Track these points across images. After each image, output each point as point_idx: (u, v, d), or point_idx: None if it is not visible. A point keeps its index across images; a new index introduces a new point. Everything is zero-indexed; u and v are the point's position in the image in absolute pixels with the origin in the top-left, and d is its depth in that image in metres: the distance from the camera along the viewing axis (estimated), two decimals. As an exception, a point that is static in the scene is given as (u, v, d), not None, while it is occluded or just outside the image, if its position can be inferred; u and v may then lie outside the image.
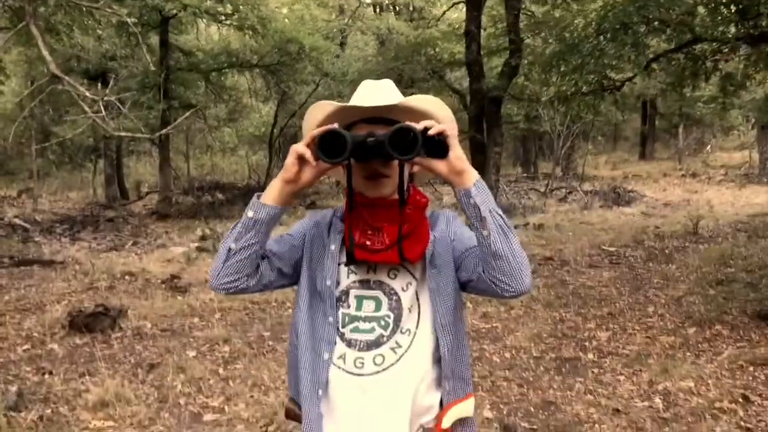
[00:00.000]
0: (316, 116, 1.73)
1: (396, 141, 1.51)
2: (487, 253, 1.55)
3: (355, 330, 1.71)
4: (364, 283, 1.73)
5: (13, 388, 4.44)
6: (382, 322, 1.70)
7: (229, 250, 1.64)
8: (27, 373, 5.00)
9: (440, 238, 1.73)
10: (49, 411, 4.27)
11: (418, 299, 1.72)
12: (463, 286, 1.72)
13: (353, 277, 1.74)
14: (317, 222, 1.82)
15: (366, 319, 1.71)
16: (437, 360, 1.72)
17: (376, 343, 1.69)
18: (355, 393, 1.68)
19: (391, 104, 1.65)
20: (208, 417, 4.25)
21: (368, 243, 1.68)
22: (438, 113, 1.70)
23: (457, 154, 1.53)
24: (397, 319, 1.70)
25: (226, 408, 4.37)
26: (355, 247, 1.69)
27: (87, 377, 4.85)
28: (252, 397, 4.53)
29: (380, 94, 1.72)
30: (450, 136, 1.52)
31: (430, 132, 1.51)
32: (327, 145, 1.54)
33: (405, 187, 1.69)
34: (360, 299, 1.72)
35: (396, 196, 1.69)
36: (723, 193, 17.00)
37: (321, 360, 1.71)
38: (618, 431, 3.99)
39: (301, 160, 1.58)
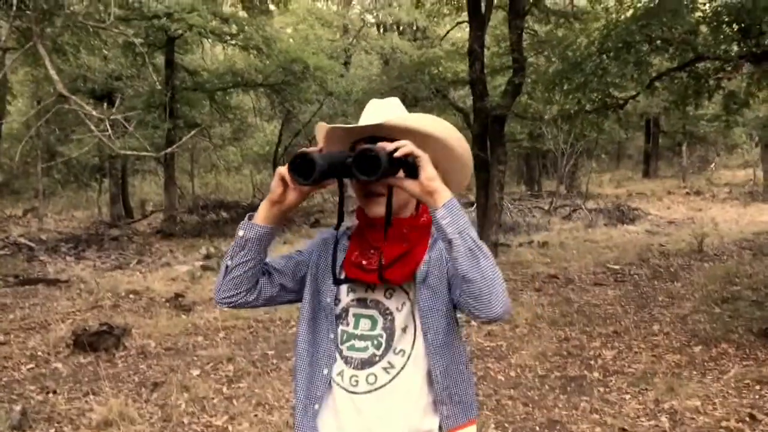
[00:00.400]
0: (320, 137, 1.76)
1: (360, 162, 1.53)
2: (458, 275, 1.54)
3: (351, 348, 1.73)
4: (362, 302, 1.75)
5: (17, 407, 4.43)
6: (375, 342, 1.72)
7: (227, 267, 1.70)
8: (31, 392, 4.99)
9: (437, 257, 1.73)
10: (53, 430, 4.27)
11: (414, 320, 1.72)
12: (455, 306, 1.72)
13: (352, 296, 1.76)
14: (325, 239, 1.85)
15: (361, 338, 1.73)
16: (432, 382, 1.71)
17: (369, 362, 1.71)
18: (350, 410, 1.70)
19: (373, 124, 1.66)
20: (212, 436, 4.24)
21: (364, 263, 1.70)
22: (432, 131, 1.69)
23: (428, 174, 1.52)
24: (390, 339, 1.71)
25: (230, 427, 4.35)
26: (352, 265, 1.71)
27: (91, 396, 4.85)
28: (256, 416, 4.51)
29: (379, 113, 1.73)
30: (419, 158, 1.52)
31: (398, 153, 1.51)
32: (298, 168, 1.57)
33: (392, 207, 1.67)
34: (358, 317, 1.75)
35: (398, 215, 1.70)
36: (727, 210, 16.98)
37: (320, 374, 1.73)
38: (624, 451, 3.97)
39: (284, 181, 1.61)
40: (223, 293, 1.72)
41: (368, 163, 1.52)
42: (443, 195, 1.53)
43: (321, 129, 1.75)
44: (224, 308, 1.78)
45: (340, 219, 1.75)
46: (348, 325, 1.74)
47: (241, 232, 1.68)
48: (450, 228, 1.51)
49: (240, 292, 1.71)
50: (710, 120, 18.06)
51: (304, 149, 1.59)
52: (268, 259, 1.76)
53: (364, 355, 1.71)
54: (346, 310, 1.75)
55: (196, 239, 13.92)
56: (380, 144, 1.54)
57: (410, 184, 1.54)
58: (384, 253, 1.68)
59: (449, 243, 1.51)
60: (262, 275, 1.74)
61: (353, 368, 1.71)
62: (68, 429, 4.29)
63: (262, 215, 1.68)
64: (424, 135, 1.65)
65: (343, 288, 1.77)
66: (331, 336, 1.74)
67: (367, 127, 1.67)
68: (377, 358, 1.70)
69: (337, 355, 1.73)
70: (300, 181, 1.57)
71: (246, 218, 1.70)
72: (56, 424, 4.36)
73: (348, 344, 1.73)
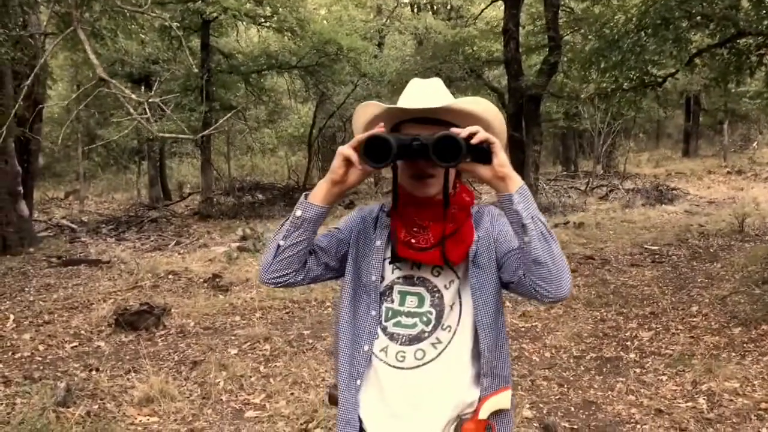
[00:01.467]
0: (365, 116, 1.76)
1: (440, 148, 1.54)
2: (527, 258, 1.58)
3: (398, 324, 1.75)
4: (408, 279, 1.77)
5: (62, 384, 4.56)
6: (425, 318, 1.73)
7: (278, 246, 1.71)
8: (75, 370, 5.14)
9: (484, 236, 1.75)
10: (96, 407, 4.39)
11: (460, 297, 1.74)
12: (505, 286, 1.74)
13: (398, 273, 1.78)
14: (364, 217, 1.87)
15: (408, 314, 1.74)
16: (477, 357, 1.74)
17: (418, 338, 1.72)
18: (396, 385, 1.72)
19: (437, 107, 1.67)
20: (249, 414, 4.32)
21: (413, 241, 1.71)
22: (485, 116, 1.71)
23: (501, 161, 1.56)
24: (439, 316, 1.73)
25: (267, 405, 4.43)
26: (400, 243, 1.72)
27: (132, 374, 4.97)
28: (292, 394, 4.59)
29: (428, 94, 1.73)
30: (494, 144, 1.55)
31: (474, 140, 1.53)
32: (372, 150, 1.57)
33: (449, 189, 1.71)
34: (403, 295, 1.76)
35: (441, 196, 1.72)
36: (770, 190, 16.58)
37: (361, 351, 1.75)
38: (660, 432, 3.94)
39: (348, 162, 1.62)
40: (272, 273, 1.73)
41: (448, 147, 1.53)
42: (516, 180, 1.57)
43: (369, 108, 1.75)
44: (271, 287, 1.80)
45: (396, 199, 1.76)
46: (393, 302, 1.76)
47: (299, 212, 1.69)
48: (525, 212, 1.55)
49: (290, 272, 1.73)
50: (752, 97, 17.57)
51: (375, 131, 1.59)
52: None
53: (413, 332, 1.73)
54: (390, 288, 1.77)
55: (232, 221, 14.09)
56: (454, 129, 1.56)
57: (483, 170, 1.58)
58: (431, 231, 1.70)
59: (523, 227, 1.55)
60: (309, 255, 1.77)
61: (400, 344, 1.73)
62: (111, 405, 4.41)
63: (321, 195, 1.69)
64: (478, 119, 1.68)
65: (388, 266, 1.78)
66: (373, 313, 1.76)
67: (427, 109, 1.67)
68: (426, 335, 1.72)
69: (380, 332, 1.75)
70: (373, 165, 1.58)
71: (303, 198, 1.71)
72: (99, 401, 4.49)
73: (394, 321, 1.75)
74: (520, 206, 1.55)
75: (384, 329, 1.76)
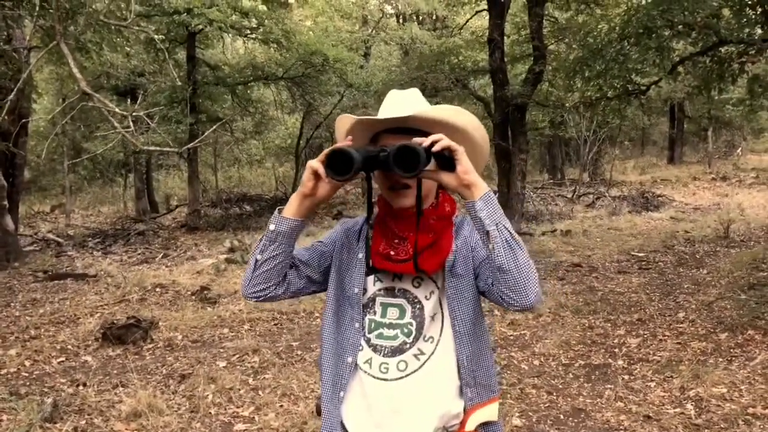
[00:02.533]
0: (343, 128, 1.78)
1: (400, 158, 1.54)
2: (492, 266, 1.58)
3: (380, 336, 1.75)
4: (389, 291, 1.77)
5: (49, 400, 4.53)
6: (405, 330, 1.74)
7: (256, 261, 1.71)
8: (62, 385, 5.10)
9: (462, 245, 1.76)
10: (83, 422, 4.35)
11: (441, 307, 1.75)
12: (482, 293, 1.75)
13: (379, 285, 1.79)
14: (347, 230, 1.88)
15: (390, 326, 1.75)
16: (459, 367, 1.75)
17: (400, 350, 1.73)
18: (380, 396, 1.72)
19: (403, 116, 1.68)
20: (238, 427, 4.30)
21: (392, 253, 1.72)
22: (456, 122, 1.72)
23: (465, 167, 1.56)
24: (420, 327, 1.73)
25: (256, 418, 4.41)
26: (377, 255, 1.73)
27: (120, 388, 4.93)
28: (281, 406, 4.57)
29: (402, 105, 1.74)
30: (456, 151, 1.55)
31: (435, 147, 1.54)
32: (335, 163, 1.58)
33: (422, 199, 1.71)
34: (385, 306, 1.77)
35: (422, 206, 1.72)
36: (754, 196, 16.71)
37: (344, 363, 1.76)
38: (649, 438, 3.96)
39: (316, 175, 1.63)
40: (252, 287, 1.74)
41: (407, 158, 1.53)
42: (480, 187, 1.57)
43: (345, 121, 1.77)
44: (251, 302, 1.81)
45: (370, 211, 1.78)
46: (375, 314, 1.77)
47: (272, 226, 1.70)
48: (488, 220, 1.55)
49: (269, 286, 1.74)
50: (735, 104, 17.75)
51: (339, 145, 1.60)
52: (293, 252, 1.79)
53: (395, 343, 1.74)
54: (372, 300, 1.78)
55: (220, 233, 14.03)
56: (416, 139, 1.57)
57: (447, 177, 1.58)
58: (410, 243, 1.71)
59: (486, 234, 1.56)
60: (289, 268, 1.77)
61: (383, 356, 1.73)
62: (98, 420, 4.38)
63: (293, 208, 1.71)
64: (448, 126, 1.68)
65: (370, 278, 1.79)
66: (356, 325, 1.77)
67: (397, 119, 1.69)
68: (408, 346, 1.73)
69: (364, 344, 1.76)
70: (336, 178, 1.59)
71: (276, 212, 1.73)
72: (87, 416, 4.45)
73: (376, 333, 1.76)
74: (483, 213, 1.55)
75: (368, 341, 1.76)
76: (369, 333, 1.77)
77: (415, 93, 1.82)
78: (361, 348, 1.76)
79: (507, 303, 1.59)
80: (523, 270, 1.55)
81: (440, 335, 1.74)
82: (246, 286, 1.74)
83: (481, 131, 1.77)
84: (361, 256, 1.79)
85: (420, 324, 1.73)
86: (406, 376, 1.71)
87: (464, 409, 1.74)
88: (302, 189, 1.67)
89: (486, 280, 1.67)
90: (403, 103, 1.76)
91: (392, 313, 1.76)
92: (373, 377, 1.73)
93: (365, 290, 1.79)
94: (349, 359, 1.76)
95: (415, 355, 1.72)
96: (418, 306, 1.74)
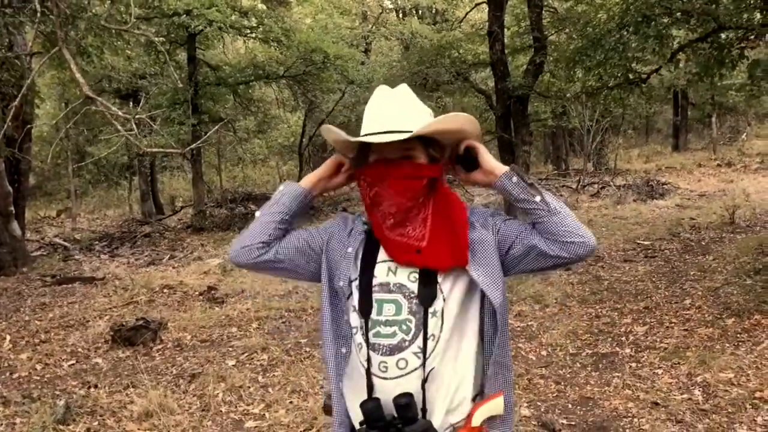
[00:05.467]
0: (330, 138, 1.79)
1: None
2: (544, 215, 1.64)
3: (377, 335, 1.70)
4: (384, 287, 1.73)
5: (61, 402, 4.57)
6: (404, 327, 1.69)
7: (255, 216, 1.83)
8: (73, 387, 5.15)
9: (477, 239, 1.73)
10: (96, 423, 4.40)
11: (442, 302, 1.71)
12: (519, 264, 1.73)
13: (374, 280, 1.74)
14: (341, 223, 1.87)
15: (387, 323, 1.70)
16: (464, 362, 1.72)
17: (399, 348, 1.68)
18: (383, 394, 1.69)
19: (398, 139, 1.65)
20: (249, 424, 4.34)
21: (406, 241, 1.73)
22: (452, 127, 1.72)
23: (484, 157, 1.71)
24: (419, 323, 1.68)
25: (267, 414, 4.45)
26: (388, 243, 1.73)
27: (131, 389, 4.98)
28: (291, 403, 4.61)
29: (391, 116, 1.70)
30: (476, 148, 1.72)
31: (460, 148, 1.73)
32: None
33: (424, 196, 1.74)
34: (380, 303, 1.71)
35: (422, 204, 1.74)
36: (759, 181, 16.66)
37: (340, 355, 1.76)
38: (657, 425, 3.98)
39: (340, 166, 1.80)
40: (240, 243, 1.81)
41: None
42: (500, 166, 1.72)
43: (331, 135, 1.76)
44: (239, 265, 1.83)
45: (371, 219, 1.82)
46: (371, 312, 1.73)
47: (281, 187, 1.83)
48: (525, 177, 1.68)
49: (256, 242, 1.78)
50: (738, 90, 17.66)
51: None
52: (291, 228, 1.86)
53: (393, 341, 1.68)
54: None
55: (225, 232, 14.08)
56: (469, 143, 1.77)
57: (477, 176, 1.74)
58: (418, 238, 1.73)
59: (531, 187, 1.67)
60: (281, 238, 1.82)
61: (381, 354, 1.68)
62: (111, 421, 4.42)
63: (305, 181, 1.84)
64: (446, 132, 1.73)
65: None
66: (346, 317, 1.76)
67: (393, 142, 1.66)
68: (407, 343, 1.67)
69: (363, 342, 1.71)
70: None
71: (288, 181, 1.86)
72: (99, 417, 4.50)
73: (374, 331, 1.70)
74: (515, 179, 1.69)
75: (366, 340, 1.71)
76: (367, 332, 1.72)
77: (403, 94, 1.76)
78: (352, 340, 1.74)
79: (570, 249, 1.64)
80: (570, 212, 1.67)
81: (440, 331, 1.68)
82: (236, 243, 1.82)
83: (474, 125, 1.75)
84: (350, 250, 1.77)
85: (419, 320, 1.68)
86: (407, 374, 1.67)
87: (472, 399, 1.72)
88: (321, 172, 1.83)
89: (532, 240, 1.68)
90: (394, 111, 1.71)
91: (389, 310, 1.70)
92: (375, 375, 1.70)
93: (353, 281, 1.76)
94: (343, 350, 1.75)
95: (415, 353, 1.67)
96: (415, 301, 1.69)
